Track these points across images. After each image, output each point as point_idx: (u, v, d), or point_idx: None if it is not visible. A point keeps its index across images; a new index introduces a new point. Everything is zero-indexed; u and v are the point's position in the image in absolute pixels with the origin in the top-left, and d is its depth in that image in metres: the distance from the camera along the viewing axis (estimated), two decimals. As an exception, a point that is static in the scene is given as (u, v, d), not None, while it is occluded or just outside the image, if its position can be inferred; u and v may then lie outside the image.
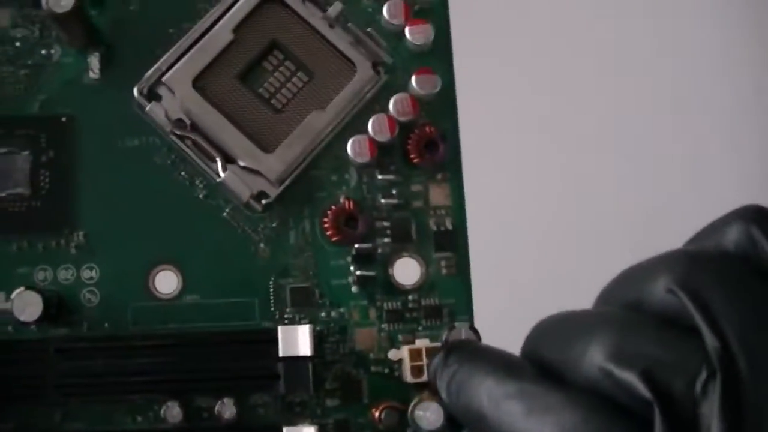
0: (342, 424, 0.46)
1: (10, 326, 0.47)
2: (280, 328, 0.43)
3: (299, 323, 0.45)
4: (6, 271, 0.47)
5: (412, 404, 0.44)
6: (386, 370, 0.46)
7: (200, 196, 0.47)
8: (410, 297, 0.47)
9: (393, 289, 0.46)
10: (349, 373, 0.46)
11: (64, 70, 0.48)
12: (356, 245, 0.46)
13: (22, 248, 0.47)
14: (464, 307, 0.47)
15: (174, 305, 0.46)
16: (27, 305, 0.44)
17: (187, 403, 0.45)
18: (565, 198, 0.62)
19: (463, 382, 0.36)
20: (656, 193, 0.67)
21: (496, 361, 0.35)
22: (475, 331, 0.44)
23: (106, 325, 0.47)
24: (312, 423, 0.45)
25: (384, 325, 0.46)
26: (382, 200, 0.46)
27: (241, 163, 0.45)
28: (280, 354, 0.43)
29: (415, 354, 0.45)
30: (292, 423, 0.45)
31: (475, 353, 0.37)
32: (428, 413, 0.43)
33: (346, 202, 0.46)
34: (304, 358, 0.43)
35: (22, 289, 0.45)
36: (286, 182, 0.45)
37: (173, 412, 0.45)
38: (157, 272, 0.46)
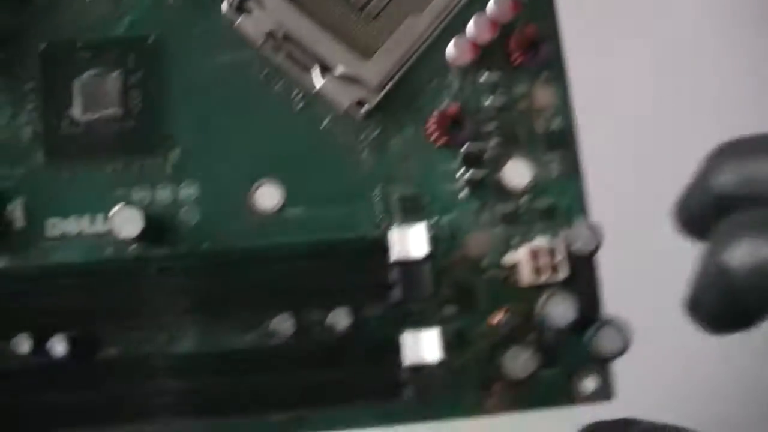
0: (460, 332, 0.43)
1: (111, 247, 0.44)
2: (393, 229, 0.41)
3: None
4: (103, 194, 0.45)
5: (542, 301, 0.41)
6: (501, 275, 0.43)
7: (298, 107, 0.44)
8: (522, 199, 0.44)
9: (504, 191, 0.45)
10: (464, 281, 0.43)
11: (151, -11, 0.45)
12: (464, 146, 0.43)
13: (117, 170, 0.45)
14: (579, 207, 0.44)
15: (276, 220, 0.44)
16: (127, 221, 0.42)
17: (298, 316, 0.42)
18: (670, 89, 0.59)
19: None
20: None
21: None
22: (594, 229, 0.42)
23: (208, 243, 0.44)
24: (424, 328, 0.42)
25: (497, 229, 0.44)
26: (486, 102, 0.44)
27: (339, 71, 0.43)
28: (392, 259, 0.41)
29: (536, 255, 0.43)
30: (397, 330, 0.42)
31: None
32: (560, 308, 0.41)
33: (451, 105, 0.44)
34: (420, 260, 0.41)
35: (121, 205, 0.42)
36: (386, 88, 0.43)
37: (285, 325, 0.42)
38: (258, 187, 0.44)
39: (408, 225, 0.43)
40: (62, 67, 0.46)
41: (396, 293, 0.42)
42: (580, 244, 0.42)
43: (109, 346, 0.45)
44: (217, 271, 0.43)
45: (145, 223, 0.43)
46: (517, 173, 0.45)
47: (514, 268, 0.44)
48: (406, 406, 0.43)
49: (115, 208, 0.43)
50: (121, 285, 0.44)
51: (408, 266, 0.41)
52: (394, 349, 0.43)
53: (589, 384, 0.44)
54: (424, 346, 0.41)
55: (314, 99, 0.45)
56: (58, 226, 0.46)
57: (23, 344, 0.43)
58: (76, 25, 0.47)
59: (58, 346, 0.42)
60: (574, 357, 0.44)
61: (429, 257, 0.41)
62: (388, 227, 0.44)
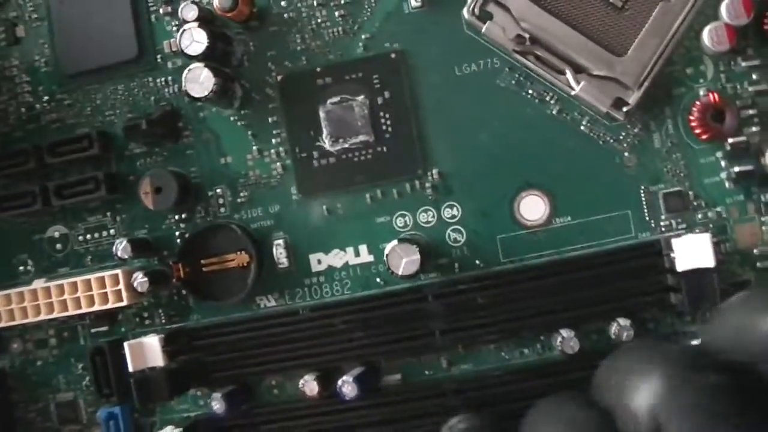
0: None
1: (379, 278, 0.44)
2: (674, 242, 0.40)
3: (676, 231, 0.42)
4: (364, 223, 0.45)
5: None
6: (775, 265, 0.43)
7: (553, 112, 0.43)
8: (788, 186, 0.43)
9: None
10: (735, 273, 0.43)
11: (383, 3, 0.46)
12: (730, 140, 0.42)
13: (376, 197, 0.44)
14: None
15: (545, 231, 0.43)
16: (403, 258, 0.42)
17: (579, 330, 0.42)
18: None
19: None
20: None
21: None
22: None
23: (477, 262, 0.43)
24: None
25: (765, 218, 0.43)
26: (744, 88, 0.42)
27: (594, 72, 0.42)
28: (679, 268, 0.40)
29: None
30: (683, 335, 0.42)
31: None
32: None
33: (711, 95, 0.42)
34: (707, 270, 0.40)
35: (394, 242, 0.42)
36: (645, 84, 0.41)
37: (569, 343, 0.42)
38: (522, 199, 0.43)
39: (689, 227, 0.42)
40: (304, 96, 0.45)
41: (680, 301, 0.42)
42: None
43: (389, 374, 0.45)
44: (492, 292, 0.43)
45: (421, 258, 0.42)
46: (781, 159, 0.43)
47: (788, 256, 0.43)
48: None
49: (389, 246, 0.42)
50: (399, 316, 0.44)
51: (696, 277, 0.41)
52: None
53: None
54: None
55: (569, 102, 0.44)
56: (323, 261, 0.45)
57: (310, 385, 0.43)
58: (310, 51, 0.47)
59: (347, 387, 0.42)
60: None
61: (716, 268, 0.40)
62: (656, 227, 0.43)
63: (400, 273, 0.43)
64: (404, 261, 0.43)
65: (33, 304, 0.46)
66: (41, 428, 0.49)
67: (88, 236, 0.48)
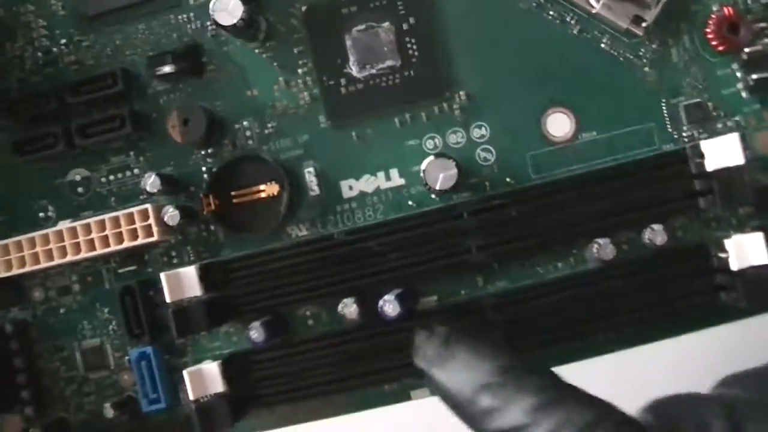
0: (760, 228, 0.44)
1: (411, 201, 0.44)
2: (702, 144, 0.42)
3: (698, 140, 0.43)
4: (394, 147, 0.45)
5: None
6: (793, 171, 0.44)
7: (574, 32, 0.44)
8: (803, 95, 0.45)
9: (783, 88, 0.45)
10: (758, 179, 0.44)
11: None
12: (746, 50, 0.43)
13: (404, 121, 0.45)
14: None
15: (571, 146, 0.44)
16: (441, 172, 0.42)
17: (613, 239, 0.43)
18: None
19: None
20: None
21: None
22: None
23: (508, 179, 0.44)
24: (736, 232, 0.45)
25: (783, 126, 0.45)
26: (761, 0, 0.44)
27: (614, -10, 0.43)
28: (709, 168, 0.41)
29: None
30: (712, 238, 0.44)
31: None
32: None
33: (725, 9, 0.44)
34: (737, 167, 0.41)
35: (431, 158, 0.42)
36: (662, 1, 0.43)
37: (606, 250, 0.43)
38: (548, 116, 0.45)
39: (710, 136, 0.43)
40: (329, 25, 0.45)
41: (709, 201, 0.42)
42: None
43: (427, 296, 0.45)
44: (526, 206, 0.44)
45: (458, 172, 0.42)
46: (794, 68, 0.45)
47: (807, 161, 0.45)
48: (727, 307, 0.43)
49: (426, 161, 0.43)
50: (434, 235, 0.44)
51: (727, 175, 0.42)
52: (708, 254, 0.43)
53: None
54: (749, 249, 0.42)
55: (589, 21, 0.45)
56: (354, 187, 0.45)
57: (350, 308, 0.43)
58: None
59: (388, 307, 0.42)
60: None
61: (746, 164, 0.41)
62: (678, 138, 0.44)
63: (438, 187, 0.43)
64: (442, 175, 0.44)
65: (59, 246, 0.45)
66: (66, 377, 0.48)
67: (111, 177, 0.47)
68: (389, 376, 0.45)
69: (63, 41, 0.48)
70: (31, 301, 0.48)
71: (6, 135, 0.48)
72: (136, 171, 0.47)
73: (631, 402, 0.38)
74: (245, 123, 0.46)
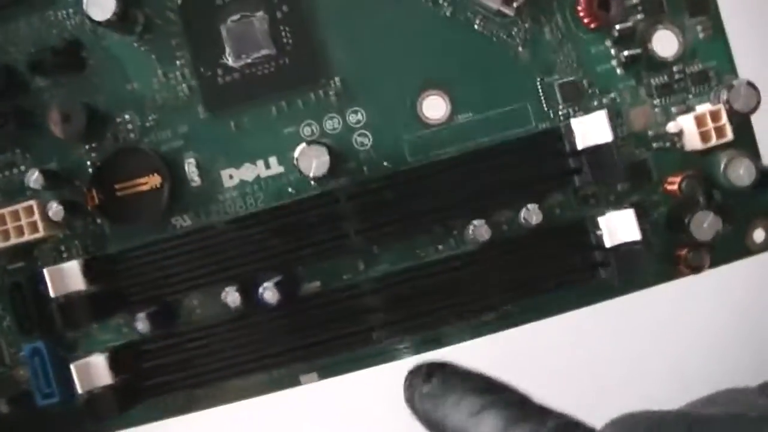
0: (638, 204, 0.44)
1: (290, 188, 0.45)
2: (572, 122, 0.42)
3: (575, 117, 0.44)
4: (272, 135, 0.46)
5: (723, 164, 0.43)
6: (667, 144, 0.45)
7: (446, 13, 0.45)
8: (674, 68, 0.46)
9: (655, 63, 0.46)
10: (633, 154, 0.45)
11: None
12: (617, 26, 0.44)
13: (281, 109, 0.46)
14: (728, 67, 0.46)
15: (448, 128, 0.45)
16: (313, 159, 0.43)
17: (489, 220, 0.43)
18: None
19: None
20: None
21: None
22: (752, 86, 0.43)
23: (385, 163, 0.44)
24: (611, 209, 0.45)
25: (656, 101, 0.45)
26: (626, -24, 0.45)
27: (483, -29, 0.44)
28: (579, 146, 0.42)
29: (701, 120, 0.44)
30: (588, 217, 0.44)
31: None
32: (742, 168, 0.43)
33: (595, -14, 0.44)
34: (606, 144, 0.42)
35: (303, 145, 0.43)
36: (532, -19, 0.43)
37: (480, 231, 0.44)
38: (423, 99, 0.45)
39: (586, 113, 0.44)
40: (205, 16, 0.46)
41: (583, 179, 0.43)
42: (741, 104, 0.44)
43: (308, 282, 0.45)
44: (402, 189, 0.44)
45: (331, 158, 0.43)
46: (666, 43, 0.46)
47: (679, 135, 0.45)
48: (606, 284, 0.44)
49: (298, 149, 0.44)
50: (313, 221, 0.44)
51: (596, 152, 0.42)
52: (585, 232, 0.44)
53: (759, 235, 0.46)
54: (620, 226, 0.43)
55: (461, 2, 0.46)
56: (234, 176, 0.46)
57: (232, 296, 0.44)
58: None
59: (268, 293, 0.43)
60: (744, 212, 0.47)
61: (614, 141, 0.42)
62: (554, 117, 0.45)
63: (311, 174, 0.44)
64: (315, 162, 0.44)
65: (-55, 244, 0.46)
66: (-38, 376, 0.48)
67: (-2, 174, 0.47)
68: (276, 362, 0.46)
69: (-57, 40, 0.48)
70: None
71: None
72: (22, 168, 0.48)
73: (519, 382, 0.39)
74: (126, 116, 0.47)
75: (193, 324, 0.47)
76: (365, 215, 0.45)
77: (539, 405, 0.38)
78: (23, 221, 0.46)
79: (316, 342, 0.45)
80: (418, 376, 0.40)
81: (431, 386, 0.39)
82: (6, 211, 0.46)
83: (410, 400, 0.40)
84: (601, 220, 0.44)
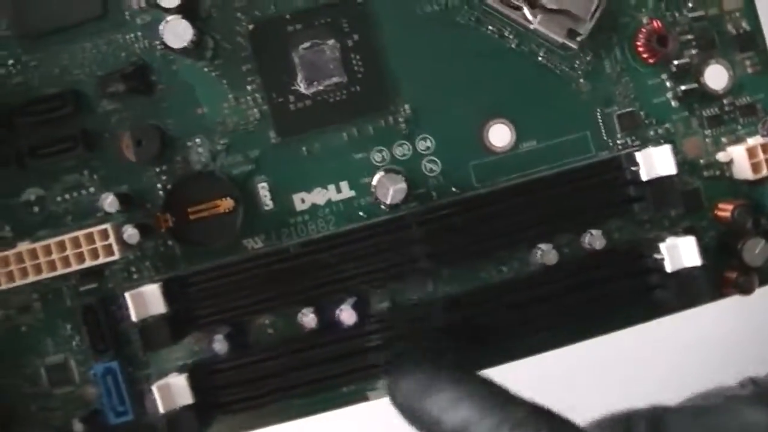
0: (690, 229, 0.47)
1: (361, 212, 0.46)
2: (637, 155, 0.44)
3: (632, 147, 0.46)
4: (343, 160, 0.47)
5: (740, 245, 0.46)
6: (717, 173, 0.48)
7: (512, 46, 0.47)
8: (725, 101, 0.48)
9: (707, 96, 0.48)
10: (686, 182, 0.47)
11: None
12: (675, 62, 0.47)
13: (352, 135, 0.47)
14: (775, 101, 0.48)
15: (512, 155, 0.47)
16: (390, 187, 0.45)
17: (554, 242, 0.46)
18: None
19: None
20: None
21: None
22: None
23: (453, 189, 0.46)
24: (667, 234, 0.48)
25: (707, 131, 0.48)
26: (687, 13, 0.47)
27: (548, 6, 0.45)
28: (644, 177, 0.44)
29: (752, 152, 0.47)
30: (647, 241, 0.46)
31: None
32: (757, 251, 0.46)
33: (654, 22, 0.47)
34: (669, 177, 0.44)
35: (381, 173, 0.45)
36: (596, 15, 0.46)
37: (549, 255, 0.46)
38: (489, 127, 0.47)
39: (643, 143, 0.47)
40: (276, 43, 0.47)
41: (644, 206, 0.46)
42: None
43: (379, 303, 0.47)
44: (470, 214, 0.46)
45: (407, 186, 0.45)
46: (717, 77, 0.49)
47: (728, 164, 0.48)
48: (659, 303, 0.47)
49: (376, 177, 0.45)
50: (384, 245, 0.46)
51: (660, 183, 0.45)
52: (642, 256, 0.47)
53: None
54: (682, 252, 0.46)
55: (526, 35, 0.47)
56: (306, 200, 0.47)
57: (308, 317, 0.45)
58: (279, -1, 0.47)
59: (345, 315, 0.44)
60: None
61: (678, 174, 0.45)
62: (613, 146, 0.47)
63: (388, 202, 0.45)
64: (392, 190, 0.46)
65: (19, 267, 0.46)
66: (31, 393, 0.49)
67: (66, 196, 0.48)
68: (347, 379, 0.48)
69: (10, 62, 0.48)
70: (-9, 319, 0.49)
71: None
72: (91, 190, 0.48)
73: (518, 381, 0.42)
74: (197, 140, 0.48)
75: (265, 343, 0.48)
76: (434, 240, 0.47)
77: (511, 394, 0.40)
78: (98, 244, 0.47)
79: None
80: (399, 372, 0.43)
81: (411, 381, 0.42)
82: (81, 234, 0.46)
83: (392, 396, 0.43)
84: (663, 246, 0.46)
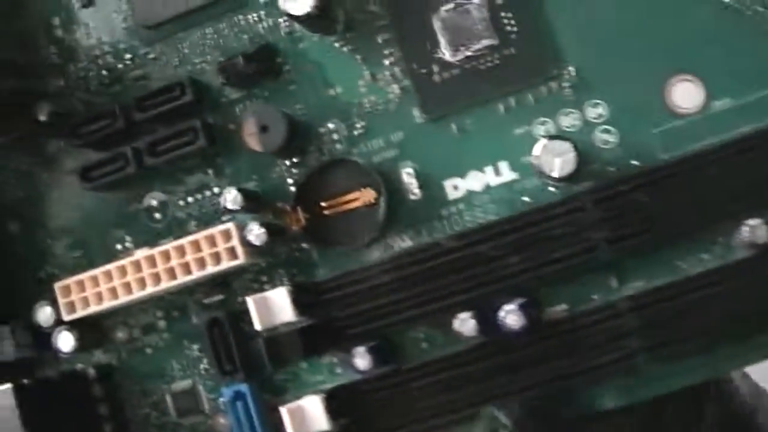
0: None
1: (525, 196, 0.39)
2: None
3: None
4: (501, 137, 0.40)
5: None
6: None
7: (690, -15, 0.38)
8: None
9: None
10: None
11: None
12: None
13: (510, 106, 0.39)
14: None
15: (704, 117, 0.38)
16: (556, 157, 0.36)
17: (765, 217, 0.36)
18: None
19: None
20: None
21: None
22: None
23: (634, 162, 0.37)
24: None
25: None
26: None
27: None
28: None
29: None
30: None
31: None
32: None
33: None
34: None
35: (543, 141, 0.36)
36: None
37: (760, 231, 0.36)
38: (672, 86, 0.38)
39: None
40: (412, 7, 0.41)
41: None
42: None
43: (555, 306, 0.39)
44: (658, 189, 0.38)
45: (578, 153, 0.36)
46: None
47: None
48: None
49: (538, 146, 0.37)
50: (555, 232, 0.38)
51: None
52: None
53: None
54: None
55: (706, -25, 0.38)
56: (460, 187, 0.39)
57: (467, 324, 0.37)
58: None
59: (511, 318, 0.36)
60: None
61: None
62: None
63: (556, 174, 0.37)
64: (559, 160, 0.38)
65: (137, 277, 0.41)
66: (158, 424, 0.43)
67: (190, 199, 0.43)
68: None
69: (128, 56, 0.43)
70: (115, 342, 0.43)
71: (73, 161, 0.44)
72: (216, 190, 0.43)
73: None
74: (331, 126, 0.42)
75: (419, 359, 0.40)
76: (616, 222, 0.38)
77: None
78: (220, 247, 0.41)
79: (572, 373, 0.38)
80: None
81: None
82: (201, 236, 0.40)
83: None
84: None
